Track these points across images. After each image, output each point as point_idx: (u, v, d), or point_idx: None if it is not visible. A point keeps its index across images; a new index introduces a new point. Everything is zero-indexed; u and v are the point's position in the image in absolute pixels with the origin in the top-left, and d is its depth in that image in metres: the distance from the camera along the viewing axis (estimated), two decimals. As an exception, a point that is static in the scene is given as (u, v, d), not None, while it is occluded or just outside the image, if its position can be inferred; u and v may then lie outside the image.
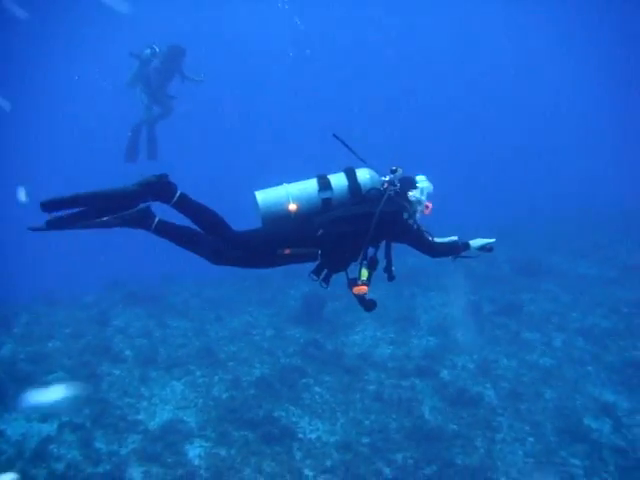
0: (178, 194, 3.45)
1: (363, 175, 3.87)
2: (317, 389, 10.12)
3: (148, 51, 11.32)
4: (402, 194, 3.94)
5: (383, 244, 3.96)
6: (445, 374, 10.79)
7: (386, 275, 4.00)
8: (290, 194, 3.71)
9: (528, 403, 10.07)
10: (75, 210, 3.23)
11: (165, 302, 14.43)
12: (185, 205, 3.49)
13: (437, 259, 4.23)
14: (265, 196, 3.70)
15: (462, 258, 4.26)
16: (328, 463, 8.45)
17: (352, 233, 3.71)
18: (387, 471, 8.42)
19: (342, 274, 3.97)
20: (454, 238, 4.22)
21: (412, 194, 4.00)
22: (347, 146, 3.91)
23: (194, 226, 3.60)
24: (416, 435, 9.01)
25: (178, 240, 3.55)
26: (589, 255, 17.51)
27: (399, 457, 8.63)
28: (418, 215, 4.03)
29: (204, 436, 8.95)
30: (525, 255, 16.73)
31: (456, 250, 4.14)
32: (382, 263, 3.97)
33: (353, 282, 3.77)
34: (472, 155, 37.43)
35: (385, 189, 3.88)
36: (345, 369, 10.68)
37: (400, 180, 3.99)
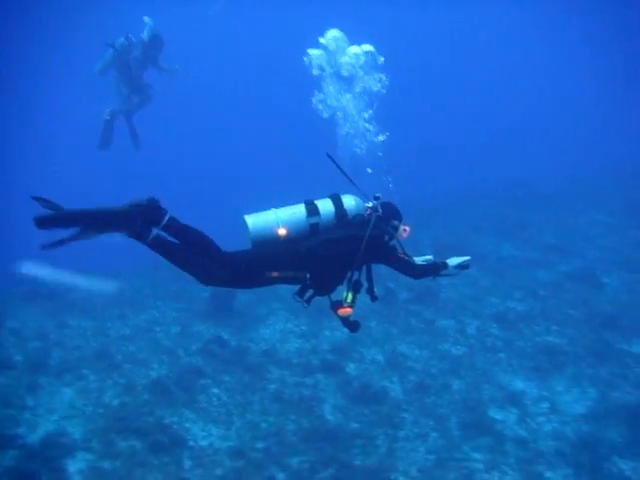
0: (167, 217, 3.52)
1: (349, 202, 4.04)
2: (215, 391, 9.60)
3: (122, 40, 11.07)
4: (384, 219, 4.09)
5: (364, 267, 4.07)
6: (352, 369, 10.43)
7: (368, 296, 4.13)
8: (280, 219, 3.85)
9: (434, 396, 9.80)
10: (70, 229, 3.31)
11: (69, 299, 13.57)
12: (173, 228, 3.57)
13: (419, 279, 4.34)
14: (255, 220, 3.83)
15: (442, 277, 4.39)
16: (219, 472, 7.98)
17: (340, 255, 3.85)
18: (281, 477, 8.01)
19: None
20: (429, 257, 4.39)
21: (394, 220, 4.16)
22: (338, 166, 4.06)
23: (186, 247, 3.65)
24: (314, 437, 8.61)
25: (171, 257, 3.59)
26: (514, 235, 17.41)
27: (295, 461, 8.22)
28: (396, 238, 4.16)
29: (88, 448, 8.31)
30: (450, 237, 16.48)
31: (436, 270, 4.25)
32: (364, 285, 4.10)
33: (339, 304, 3.91)
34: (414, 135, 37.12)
35: (369, 215, 4.04)
36: (246, 368, 10.19)
37: (382, 206, 4.15)
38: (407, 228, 4.24)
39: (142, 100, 12.01)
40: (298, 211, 3.92)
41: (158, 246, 3.54)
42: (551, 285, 13.83)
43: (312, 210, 3.93)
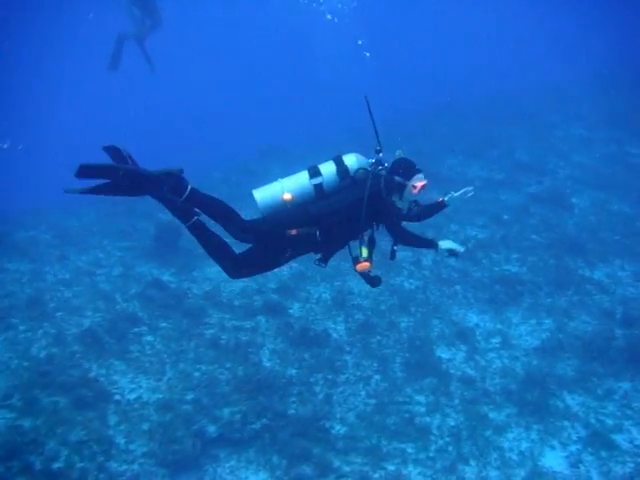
0: (189, 188, 3.78)
1: (350, 159, 4.05)
2: (149, 338, 9.14)
3: None
4: (388, 175, 4.05)
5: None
6: (295, 309, 9.95)
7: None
8: (284, 186, 3.97)
9: (380, 336, 9.39)
10: (102, 181, 3.49)
11: (9, 240, 12.85)
12: (196, 198, 3.83)
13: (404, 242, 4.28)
14: (262, 194, 3.98)
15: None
16: (145, 427, 7.61)
17: (346, 217, 3.92)
18: (211, 429, 7.67)
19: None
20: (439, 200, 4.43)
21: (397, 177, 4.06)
22: (370, 111, 4.10)
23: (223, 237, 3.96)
24: (248, 386, 8.22)
25: (206, 244, 3.95)
26: (485, 154, 16.59)
27: (226, 412, 7.86)
28: (407, 195, 4.10)
29: (9, 406, 7.84)
30: (418, 159, 15.58)
31: (423, 246, 4.25)
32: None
33: (355, 260, 3.97)
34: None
35: (371, 170, 4.03)
36: (185, 312, 9.68)
37: (394, 162, 4.11)
38: (417, 185, 4.05)
39: (154, 23, 12.03)
40: (301, 176, 4.03)
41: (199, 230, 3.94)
42: (516, 209, 13.21)
43: (314, 172, 4.02)
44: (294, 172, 4.10)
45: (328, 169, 4.03)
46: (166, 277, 10.95)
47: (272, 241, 3.97)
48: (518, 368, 8.86)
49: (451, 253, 4.24)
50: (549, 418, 7.99)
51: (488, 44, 38.16)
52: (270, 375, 8.40)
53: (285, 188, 3.96)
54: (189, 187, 3.79)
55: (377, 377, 8.65)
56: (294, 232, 3.91)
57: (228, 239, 4.03)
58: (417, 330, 9.47)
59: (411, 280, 10.82)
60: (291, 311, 9.85)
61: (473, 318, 10.00)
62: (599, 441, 7.57)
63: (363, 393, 8.39)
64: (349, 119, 22.29)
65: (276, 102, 32.50)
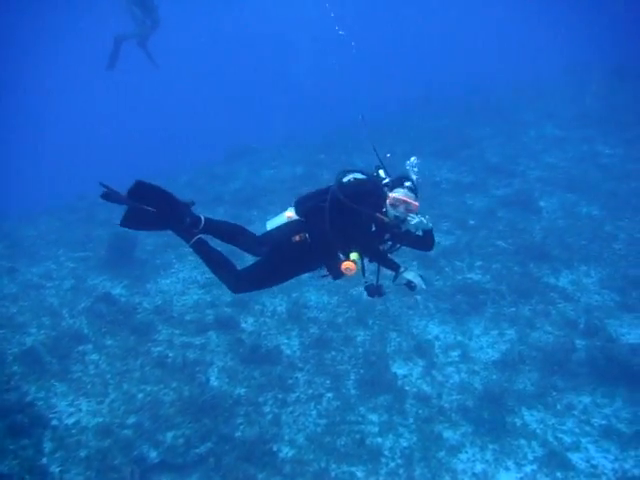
0: (204, 219, 4.17)
1: (349, 175, 4.16)
2: (94, 357, 8.75)
3: None
4: (367, 180, 4.18)
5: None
6: (249, 323, 9.60)
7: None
8: (289, 209, 4.29)
9: (335, 351, 9.06)
10: (149, 210, 4.00)
11: (-40, 252, 12.44)
12: (212, 227, 4.23)
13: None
14: (272, 222, 4.37)
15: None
16: (82, 454, 7.24)
17: (316, 208, 4.10)
18: (153, 455, 7.32)
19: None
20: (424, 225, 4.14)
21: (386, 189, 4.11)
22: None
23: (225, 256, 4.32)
24: (193, 407, 7.86)
25: (209, 261, 4.26)
26: (455, 155, 16.29)
27: (169, 437, 7.52)
28: (389, 207, 4.02)
29: (-62, 434, 7.51)
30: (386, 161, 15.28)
31: (386, 266, 4.16)
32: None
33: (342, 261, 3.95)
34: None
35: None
36: (133, 328, 9.30)
37: (397, 175, 4.18)
38: (390, 195, 4.03)
39: (154, 23, 12.11)
40: None
41: (201, 250, 4.26)
42: (483, 213, 12.92)
43: None
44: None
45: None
46: (118, 290, 10.56)
47: (282, 250, 4.15)
48: (477, 383, 8.58)
49: (409, 285, 4.07)
50: (505, 437, 7.72)
51: (469, 39, 38.03)
52: (217, 395, 8.05)
53: (289, 210, 4.29)
54: (202, 218, 4.16)
55: (329, 395, 8.33)
56: (297, 238, 4.08)
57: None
58: (373, 344, 9.16)
59: (371, 290, 10.49)
60: (244, 326, 9.51)
61: (433, 330, 9.71)
62: (555, 461, 7.30)
63: (314, 413, 8.07)
64: (325, 117, 22.08)
65: (250, 103, 32.15)
